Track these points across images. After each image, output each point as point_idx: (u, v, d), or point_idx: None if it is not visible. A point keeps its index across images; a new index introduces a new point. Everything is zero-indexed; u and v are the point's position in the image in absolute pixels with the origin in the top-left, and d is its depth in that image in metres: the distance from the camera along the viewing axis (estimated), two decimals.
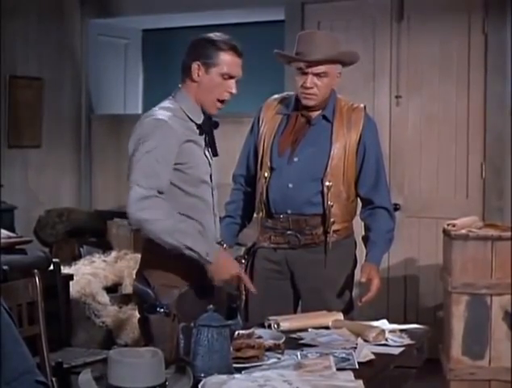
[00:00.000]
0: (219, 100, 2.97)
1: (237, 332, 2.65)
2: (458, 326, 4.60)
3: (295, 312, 3.50)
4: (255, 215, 3.60)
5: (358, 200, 3.58)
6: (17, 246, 4.66)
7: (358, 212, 3.60)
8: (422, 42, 5.77)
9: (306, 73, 3.38)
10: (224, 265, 2.85)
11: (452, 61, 5.70)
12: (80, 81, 7.14)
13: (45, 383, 2.07)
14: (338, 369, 2.47)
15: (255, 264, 3.53)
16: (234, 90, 2.97)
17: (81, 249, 6.53)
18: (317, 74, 3.38)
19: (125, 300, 5.36)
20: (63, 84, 7.03)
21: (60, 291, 4.57)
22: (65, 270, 5.02)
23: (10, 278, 4.15)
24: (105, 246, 6.30)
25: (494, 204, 5.57)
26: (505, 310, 4.55)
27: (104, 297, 5.35)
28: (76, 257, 6.22)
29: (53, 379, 3.35)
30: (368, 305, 3.38)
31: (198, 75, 2.95)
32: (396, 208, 5.49)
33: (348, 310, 3.42)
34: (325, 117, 3.48)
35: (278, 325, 2.96)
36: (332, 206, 3.42)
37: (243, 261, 3.45)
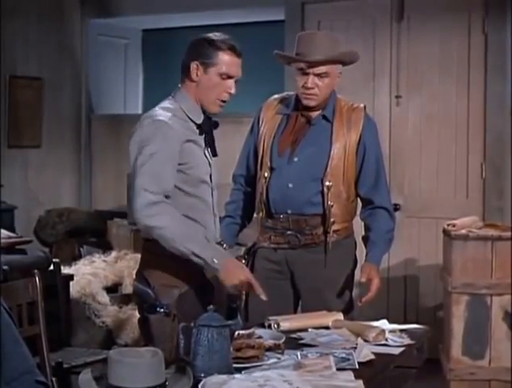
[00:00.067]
0: (219, 100, 2.97)
1: (237, 332, 2.65)
2: (458, 327, 4.60)
3: (295, 312, 3.50)
4: (255, 215, 3.60)
5: (359, 200, 3.58)
6: (17, 246, 4.66)
7: (358, 212, 3.60)
8: (422, 42, 5.77)
9: (307, 74, 3.38)
10: (233, 271, 2.83)
11: (452, 61, 5.70)
12: (80, 81, 7.15)
13: (45, 383, 2.07)
14: (338, 369, 2.47)
15: (255, 264, 3.53)
16: (233, 91, 2.97)
17: (81, 249, 6.53)
18: (318, 75, 3.38)
19: (125, 300, 5.36)
20: (63, 84, 7.03)
21: (60, 291, 4.57)
22: (65, 270, 5.02)
23: (10, 278, 4.15)
24: (105, 246, 6.30)
25: (494, 204, 5.57)
26: (505, 310, 4.55)
27: (104, 297, 5.35)
28: (76, 257, 6.22)
29: (53, 379, 3.35)
30: (368, 305, 3.38)
31: (196, 75, 2.94)
32: (396, 208, 5.49)
33: (348, 310, 3.42)
34: (325, 117, 3.48)
35: (278, 325, 2.96)
36: (332, 206, 3.42)
37: (243, 261, 3.45)
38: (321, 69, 3.37)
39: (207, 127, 3.02)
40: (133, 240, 6.14)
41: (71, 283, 4.95)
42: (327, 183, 3.41)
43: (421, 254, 5.79)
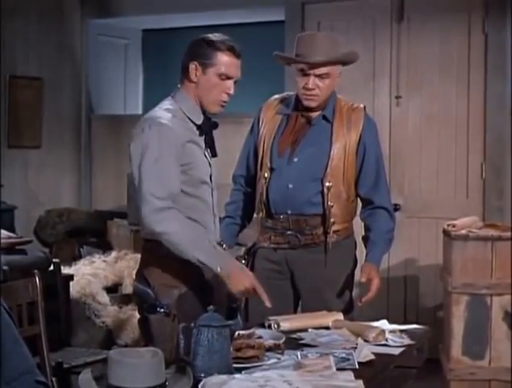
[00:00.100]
0: (219, 100, 2.96)
1: (237, 332, 2.65)
2: (458, 327, 4.60)
3: (295, 312, 3.50)
4: (255, 215, 3.60)
5: (359, 200, 3.58)
6: (17, 247, 4.66)
7: (358, 212, 3.60)
8: (422, 42, 5.77)
9: (307, 75, 3.38)
10: (238, 278, 2.84)
11: (452, 61, 5.70)
12: (80, 81, 7.15)
13: (45, 383, 2.07)
14: (338, 369, 2.47)
15: (255, 264, 3.52)
16: (232, 91, 2.96)
17: (81, 249, 6.53)
18: (319, 76, 3.37)
19: (125, 300, 5.36)
20: (63, 84, 7.03)
21: (60, 291, 4.56)
22: (65, 270, 5.02)
23: (10, 278, 4.15)
24: (105, 247, 6.30)
25: (494, 205, 5.57)
26: (505, 310, 4.55)
27: (104, 298, 5.35)
28: (76, 257, 6.22)
29: (53, 379, 3.35)
30: (368, 305, 3.38)
31: (195, 75, 2.94)
32: (396, 208, 5.49)
33: (348, 310, 3.42)
34: (325, 117, 3.48)
35: (278, 325, 2.96)
36: (332, 206, 3.42)
37: (243, 261, 3.45)
38: (322, 70, 3.36)
39: (207, 127, 3.02)
40: (133, 240, 6.14)
41: (71, 283, 4.95)
42: (327, 184, 3.41)
43: (421, 254, 5.79)
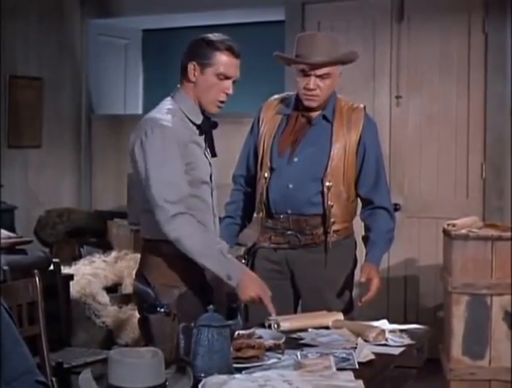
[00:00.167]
0: (217, 100, 2.96)
1: (237, 332, 2.65)
2: (458, 327, 4.60)
3: (295, 312, 3.50)
4: (255, 215, 3.60)
5: (359, 200, 3.58)
6: (17, 247, 4.66)
7: (358, 212, 3.60)
8: (422, 42, 5.77)
9: (308, 75, 3.38)
10: (247, 286, 2.86)
11: (452, 60, 5.70)
12: (80, 81, 7.15)
13: (45, 383, 2.07)
14: (338, 369, 2.47)
15: (255, 264, 3.53)
16: (230, 91, 2.96)
17: (81, 249, 6.53)
18: (320, 76, 3.37)
19: (125, 300, 5.36)
20: (63, 84, 7.03)
21: (60, 291, 4.56)
22: (65, 270, 5.02)
23: (10, 278, 4.15)
24: (105, 247, 6.30)
25: (494, 204, 5.57)
26: (505, 310, 4.55)
27: (104, 297, 5.35)
28: (76, 257, 6.22)
29: (53, 379, 3.35)
30: (368, 305, 3.38)
31: (194, 75, 2.94)
32: (397, 208, 5.49)
33: (348, 310, 3.42)
34: (325, 117, 3.48)
35: (278, 325, 2.96)
36: (332, 206, 3.42)
37: (243, 261, 3.45)
38: (323, 70, 3.36)
39: (207, 127, 3.02)
40: (133, 240, 6.14)
41: (71, 283, 4.95)
42: (327, 184, 3.41)
43: (421, 254, 5.79)
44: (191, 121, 2.97)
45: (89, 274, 5.42)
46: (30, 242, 4.90)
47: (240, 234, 3.67)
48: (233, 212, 3.65)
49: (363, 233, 3.55)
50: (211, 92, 2.94)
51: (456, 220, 4.80)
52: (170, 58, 6.72)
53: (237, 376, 2.36)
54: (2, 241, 4.50)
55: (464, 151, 5.68)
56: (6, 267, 4.27)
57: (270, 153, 3.49)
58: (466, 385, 4.62)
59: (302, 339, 2.86)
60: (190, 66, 2.93)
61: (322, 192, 3.42)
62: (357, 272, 3.50)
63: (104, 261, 5.71)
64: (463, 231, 4.64)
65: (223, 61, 2.92)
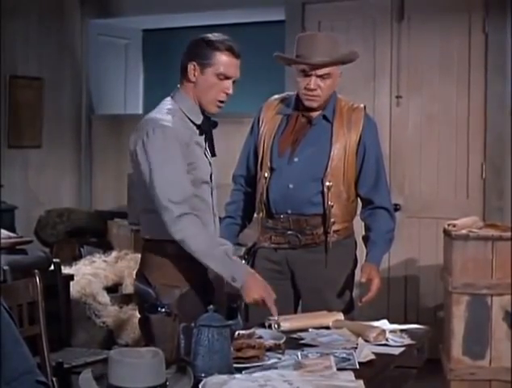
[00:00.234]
0: (217, 100, 2.96)
1: (237, 332, 2.65)
2: (458, 327, 4.60)
3: (295, 312, 3.50)
4: (255, 215, 3.60)
5: (359, 200, 3.58)
6: (17, 247, 4.66)
7: (358, 212, 3.60)
8: (423, 42, 5.77)
9: (309, 75, 3.37)
10: (251, 288, 2.85)
11: (452, 60, 5.70)
12: (80, 81, 7.15)
13: (46, 383, 2.07)
14: (339, 369, 2.47)
15: (255, 264, 3.52)
16: (230, 91, 2.96)
17: (81, 249, 6.53)
18: (321, 76, 3.37)
19: (126, 300, 5.36)
20: (63, 84, 7.04)
21: (60, 291, 4.56)
22: (65, 270, 5.02)
23: (10, 278, 4.15)
24: (105, 247, 6.30)
25: (494, 204, 5.57)
26: (505, 310, 4.55)
27: (105, 297, 5.34)
28: (76, 257, 6.22)
29: (54, 379, 3.36)
30: (368, 305, 3.38)
31: (194, 75, 2.94)
32: (397, 208, 5.49)
33: (348, 310, 3.42)
34: (325, 117, 3.48)
35: (278, 325, 2.96)
36: (332, 206, 3.42)
37: (243, 261, 3.45)
38: (324, 70, 3.36)
39: (207, 127, 3.02)
40: (133, 240, 6.14)
41: (71, 283, 4.95)
42: (327, 184, 3.41)
43: (421, 254, 5.79)
44: (191, 121, 2.97)
45: (89, 274, 5.42)
46: (30, 242, 4.89)
47: (240, 234, 3.67)
48: (234, 212, 3.65)
49: (363, 233, 3.55)
50: (212, 92, 2.94)
51: (456, 220, 4.80)
52: (170, 58, 6.72)
53: (238, 376, 2.36)
54: (3, 241, 4.50)
55: (464, 151, 5.68)
56: (6, 267, 4.27)
57: (270, 153, 3.49)
58: (466, 385, 4.62)
59: (302, 339, 2.86)
60: (191, 66, 2.93)
61: (322, 192, 3.42)
62: (357, 272, 3.50)
63: (104, 261, 5.71)
64: (464, 231, 4.64)
65: (223, 61, 2.92)
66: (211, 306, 2.49)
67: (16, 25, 6.56)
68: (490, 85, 5.58)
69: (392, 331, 2.94)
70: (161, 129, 2.85)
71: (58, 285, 4.54)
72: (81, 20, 7.11)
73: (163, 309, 2.87)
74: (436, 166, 5.78)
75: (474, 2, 5.63)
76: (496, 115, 5.56)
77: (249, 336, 2.68)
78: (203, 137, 3.01)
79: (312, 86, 3.38)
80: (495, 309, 4.55)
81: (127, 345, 4.98)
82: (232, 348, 2.49)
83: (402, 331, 2.99)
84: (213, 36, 2.96)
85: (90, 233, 6.70)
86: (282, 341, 2.70)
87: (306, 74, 3.38)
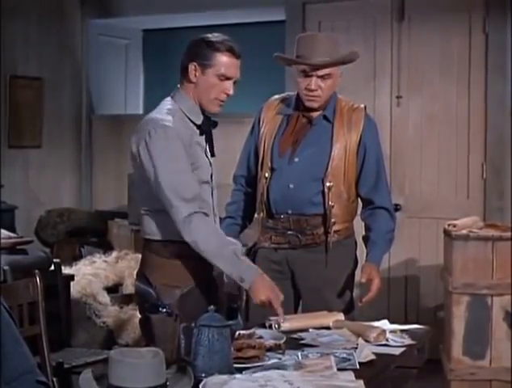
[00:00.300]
0: (217, 99, 2.96)
1: (237, 332, 2.65)
2: (458, 327, 4.60)
3: (295, 312, 3.50)
4: (256, 215, 3.60)
5: (359, 200, 3.58)
6: (18, 247, 4.65)
7: (358, 212, 3.60)
8: (423, 42, 5.77)
9: (310, 76, 3.37)
10: (258, 289, 2.84)
11: (453, 60, 5.70)
12: (80, 81, 7.15)
13: (46, 383, 2.07)
14: (339, 369, 2.47)
15: (256, 264, 3.51)
16: (231, 91, 2.96)
17: (81, 249, 6.53)
18: (321, 76, 3.37)
19: (126, 300, 5.36)
20: (63, 84, 7.03)
21: (60, 291, 4.56)
22: (65, 270, 5.02)
23: (10, 278, 4.15)
24: (106, 247, 6.30)
25: (495, 205, 5.57)
26: (505, 310, 4.55)
27: (105, 298, 5.34)
28: (77, 257, 6.22)
29: (54, 379, 3.36)
30: (369, 305, 3.38)
31: (194, 76, 2.94)
32: (397, 208, 5.49)
33: (349, 310, 3.42)
34: (325, 117, 3.48)
35: (278, 325, 2.96)
36: (333, 206, 3.42)
37: None
38: (324, 70, 3.36)
39: (207, 127, 3.02)
40: (134, 240, 6.14)
41: (72, 283, 4.95)
42: (328, 184, 3.41)
43: (421, 254, 5.79)
44: (192, 121, 2.97)
45: (89, 274, 5.42)
46: (30, 242, 4.89)
47: (240, 234, 3.67)
48: (234, 212, 3.65)
49: (364, 233, 3.55)
50: (212, 93, 2.94)
51: (457, 220, 4.80)
52: (171, 58, 6.73)
53: (238, 376, 2.36)
54: (3, 241, 4.50)
55: (465, 151, 5.68)
56: (6, 267, 4.27)
57: (270, 154, 3.49)
58: (466, 385, 4.62)
59: (303, 339, 2.86)
60: (191, 67, 2.93)
61: (323, 192, 3.42)
62: (357, 272, 3.50)
63: (105, 261, 5.71)
64: (464, 231, 4.64)
65: (223, 61, 2.92)
66: (212, 306, 2.49)
67: (16, 25, 6.56)
68: (490, 85, 5.58)
69: (392, 331, 2.94)
70: (163, 129, 2.85)
71: (58, 285, 4.54)
72: (81, 20, 7.11)
73: (164, 310, 2.87)
74: (436, 166, 5.78)
75: (474, 2, 5.63)
76: (496, 116, 5.56)
77: (250, 336, 2.68)
78: (204, 137, 3.01)
79: (312, 87, 3.38)
80: (495, 310, 4.55)
81: (127, 345, 4.98)
82: (232, 348, 2.49)
83: (402, 331, 2.99)
84: (213, 37, 2.96)
85: (91, 233, 6.70)
86: (282, 341, 2.70)
87: (307, 75, 3.38)
